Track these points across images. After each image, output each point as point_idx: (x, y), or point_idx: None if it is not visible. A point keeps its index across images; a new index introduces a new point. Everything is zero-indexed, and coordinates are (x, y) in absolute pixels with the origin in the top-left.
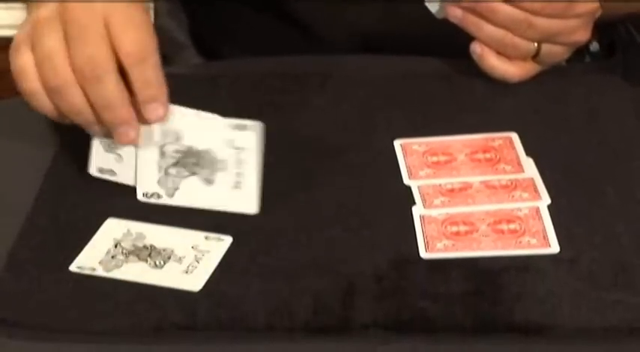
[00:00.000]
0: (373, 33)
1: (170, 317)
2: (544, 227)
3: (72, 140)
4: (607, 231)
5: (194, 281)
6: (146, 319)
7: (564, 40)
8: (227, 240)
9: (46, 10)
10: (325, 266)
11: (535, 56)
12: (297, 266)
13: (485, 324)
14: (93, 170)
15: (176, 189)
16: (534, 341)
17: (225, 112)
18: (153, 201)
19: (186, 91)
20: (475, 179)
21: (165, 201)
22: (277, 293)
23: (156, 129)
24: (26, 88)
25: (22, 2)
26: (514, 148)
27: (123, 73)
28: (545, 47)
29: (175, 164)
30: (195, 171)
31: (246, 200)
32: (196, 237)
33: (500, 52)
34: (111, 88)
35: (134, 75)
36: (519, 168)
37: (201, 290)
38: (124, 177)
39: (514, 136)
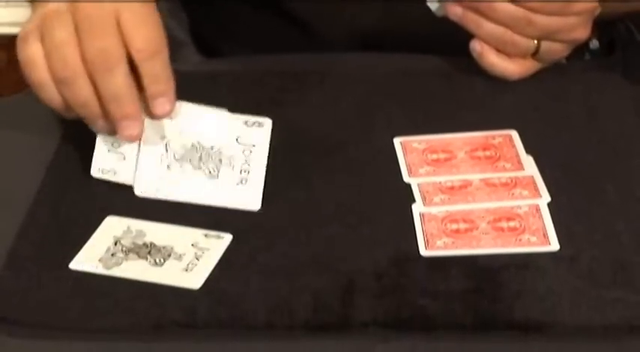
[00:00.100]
0: (373, 31)
1: (170, 315)
2: (544, 225)
3: (74, 137)
4: (607, 229)
5: (194, 279)
6: (146, 317)
7: (564, 37)
8: (227, 238)
9: (54, 4)
10: (325, 263)
11: (535, 54)
12: (297, 264)
13: (485, 322)
14: (95, 171)
15: (178, 184)
16: (534, 338)
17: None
18: (152, 196)
19: (186, 89)
20: (475, 177)
21: (166, 196)
22: (277, 291)
23: (161, 124)
24: (35, 79)
25: (26, 0)
26: (514, 146)
27: (131, 69)
28: (545, 45)
29: (179, 159)
30: (199, 166)
31: (250, 196)
32: (196, 234)
33: (500, 50)
34: (121, 80)
35: (144, 70)
36: (519, 165)
37: (201, 288)
38: (125, 176)
39: (514, 134)
